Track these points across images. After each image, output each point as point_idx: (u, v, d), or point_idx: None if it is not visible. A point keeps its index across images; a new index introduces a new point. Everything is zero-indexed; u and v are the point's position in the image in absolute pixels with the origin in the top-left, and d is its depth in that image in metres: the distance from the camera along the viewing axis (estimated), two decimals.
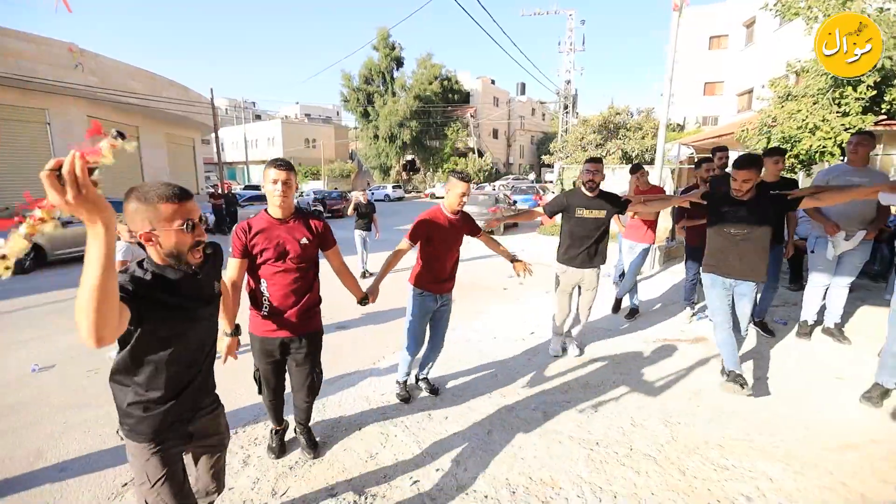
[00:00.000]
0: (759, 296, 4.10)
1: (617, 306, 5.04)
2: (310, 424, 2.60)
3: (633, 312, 4.87)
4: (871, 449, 2.48)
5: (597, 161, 3.39)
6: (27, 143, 12.36)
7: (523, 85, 42.99)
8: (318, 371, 2.41)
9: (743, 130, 8.85)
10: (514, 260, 3.09)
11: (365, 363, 3.82)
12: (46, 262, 8.09)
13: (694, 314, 4.72)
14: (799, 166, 7.09)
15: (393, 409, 3.02)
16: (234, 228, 2.15)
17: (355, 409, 3.02)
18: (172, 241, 1.29)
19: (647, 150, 14.24)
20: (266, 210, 2.18)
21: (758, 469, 2.32)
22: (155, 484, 1.40)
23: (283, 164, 2.08)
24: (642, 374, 3.50)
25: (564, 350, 3.87)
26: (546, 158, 16.74)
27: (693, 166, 5.65)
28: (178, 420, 1.46)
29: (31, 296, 6.07)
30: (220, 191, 15.01)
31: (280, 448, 2.51)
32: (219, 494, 1.75)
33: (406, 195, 34.35)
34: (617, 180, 11.98)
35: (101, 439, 2.71)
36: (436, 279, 2.87)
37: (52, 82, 11.85)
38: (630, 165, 4.96)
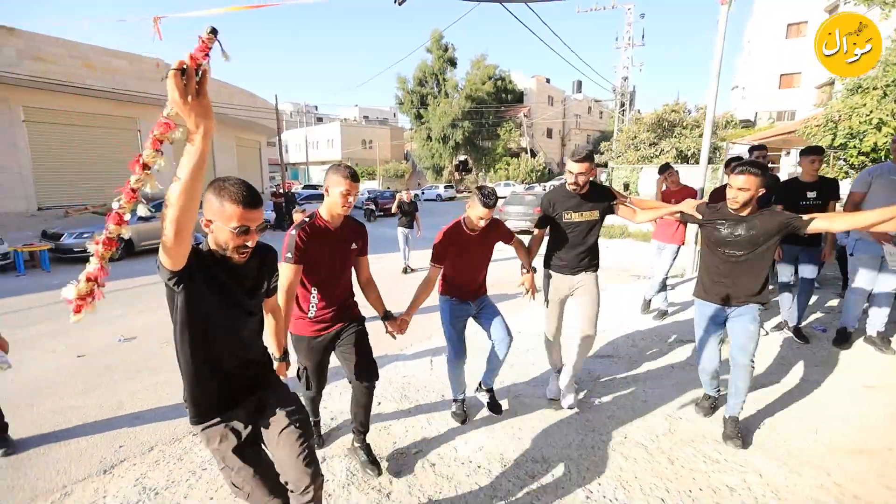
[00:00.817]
0: (795, 301, 3.96)
1: (647, 306, 5.01)
2: (366, 437, 2.44)
3: (662, 314, 4.84)
4: (885, 456, 2.42)
5: (586, 160, 2.62)
6: (118, 147, 14.04)
7: (579, 83, 41.83)
8: (372, 359, 2.36)
9: (806, 126, 8.30)
10: (526, 271, 2.83)
11: (392, 349, 4.15)
12: (134, 252, 9.27)
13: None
14: (869, 164, 6.59)
15: (412, 391, 3.31)
16: (291, 233, 2.07)
17: (377, 388, 3.35)
18: (223, 237, 1.39)
19: (700, 149, 13.60)
20: (319, 214, 2.16)
21: (750, 464, 2.36)
22: (231, 466, 1.47)
23: (356, 178, 2.09)
24: (655, 371, 3.55)
25: (559, 393, 3.04)
26: (595, 158, 16.43)
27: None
28: (228, 403, 1.52)
29: (120, 280, 7.04)
30: (281, 190, 16.23)
31: (319, 439, 2.62)
32: (317, 485, 1.51)
33: (458, 195, 34.76)
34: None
35: (168, 397, 3.23)
36: (462, 288, 2.70)
37: (141, 94, 13.38)
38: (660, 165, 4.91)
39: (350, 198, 2.06)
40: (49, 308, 5.72)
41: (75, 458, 2.53)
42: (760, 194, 2.31)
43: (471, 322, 2.83)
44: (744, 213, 2.35)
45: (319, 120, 61.03)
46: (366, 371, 2.30)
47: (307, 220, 2.14)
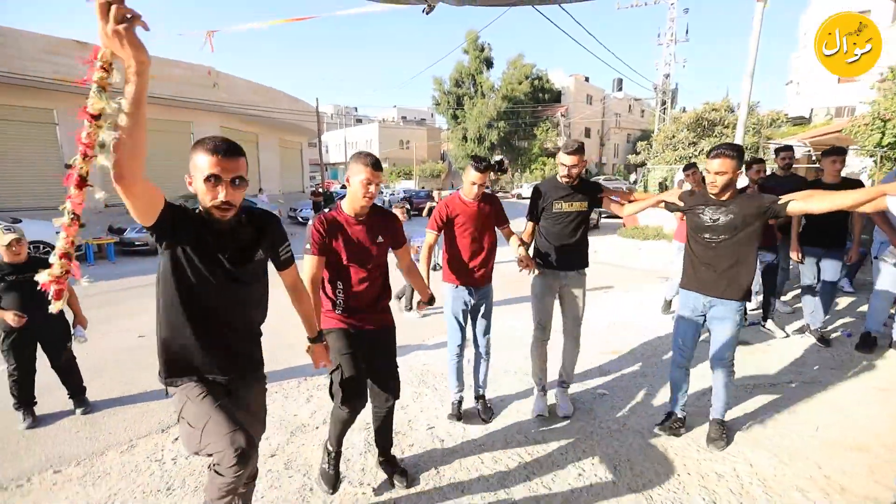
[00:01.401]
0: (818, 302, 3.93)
1: (667, 307, 5.05)
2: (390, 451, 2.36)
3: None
4: (880, 453, 2.46)
5: (576, 152, 2.68)
6: (174, 149, 15.15)
7: (620, 81, 40.65)
8: (396, 374, 2.25)
9: (853, 125, 7.94)
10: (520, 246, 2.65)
11: (415, 339, 4.43)
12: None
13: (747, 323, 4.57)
14: None
15: (430, 377, 3.57)
16: (310, 223, 2.03)
17: (401, 372, 3.63)
18: (200, 191, 1.38)
19: (747, 147, 13.05)
20: (341, 206, 2.08)
21: (742, 454, 2.46)
22: (195, 426, 1.40)
23: (379, 166, 2.00)
24: (664, 369, 3.62)
25: (546, 413, 2.93)
26: (632, 158, 15.97)
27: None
28: (211, 371, 1.50)
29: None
30: (320, 189, 17.00)
31: (335, 475, 2.22)
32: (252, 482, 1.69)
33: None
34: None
35: None
36: (464, 268, 2.70)
37: (194, 100, 14.38)
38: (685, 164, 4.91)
39: (371, 187, 1.94)
40: (115, 294, 6.40)
41: (139, 419, 2.97)
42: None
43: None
44: (724, 198, 2.36)
45: (359, 121, 62.58)
46: (388, 384, 2.20)
47: (327, 210, 2.07)
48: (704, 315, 2.52)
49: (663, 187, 13.62)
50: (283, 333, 3.43)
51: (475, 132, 34.85)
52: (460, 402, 2.92)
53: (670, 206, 2.65)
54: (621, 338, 4.33)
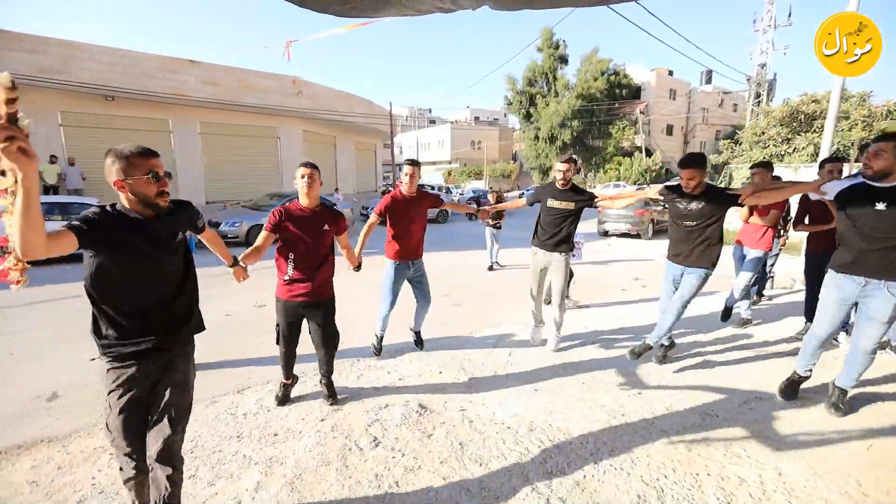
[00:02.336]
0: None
1: (726, 314, 4.79)
2: (332, 378, 3.13)
3: (744, 323, 4.61)
4: None
5: (568, 161, 3.71)
6: (262, 153, 16.76)
7: (709, 73, 37.48)
8: (335, 331, 2.99)
9: None
10: (476, 211, 4.03)
11: (464, 332, 4.67)
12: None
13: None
14: None
15: (469, 365, 3.79)
16: (275, 209, 2.74)
17: (440, 358, 3.91)
18: (142, 188, 1.62)
19: (851, 144, 11.58)
20: (297, 200, 2.80)
21: (772, 462, 2.40)
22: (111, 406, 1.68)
23: (308, 164, 2.71)
24: (705, 374, 3.54)
25: (544, 341, 4.13)
26: (713, 158, 14.72)
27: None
28: (140, 345, 1.69)
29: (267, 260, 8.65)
30: (390, 188, 17.92)
31: (284, 398, 3.10)
32: (170, 466, 1.70)
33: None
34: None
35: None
36: (403, 249, 3.52)
37: (281, 107, 15.81)
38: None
39: (305, 179, 2.67)
40: (210, 278, 7.39)
41: (221, 381, 3.53)
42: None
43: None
44: (696, 192, 3.11)
45: (432, 122, 64.09)
46: (327, 342, 2.95)
47: (285, 201, 2.86)
48: (680, 280, 3.34)
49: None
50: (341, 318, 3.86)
51: (547, 131, 34.21)
52: (381, 339, 3.80)
53: (652, 201, 3.29)
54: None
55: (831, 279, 2.82)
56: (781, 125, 13.09)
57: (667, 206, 3.36)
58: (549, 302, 4.19)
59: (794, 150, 12.33)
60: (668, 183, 4.58)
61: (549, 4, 3.44)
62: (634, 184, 30.11)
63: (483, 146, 45.12)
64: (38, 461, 2.51)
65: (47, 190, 11.70)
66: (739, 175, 11.95)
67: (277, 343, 2.98)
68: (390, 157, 23.15)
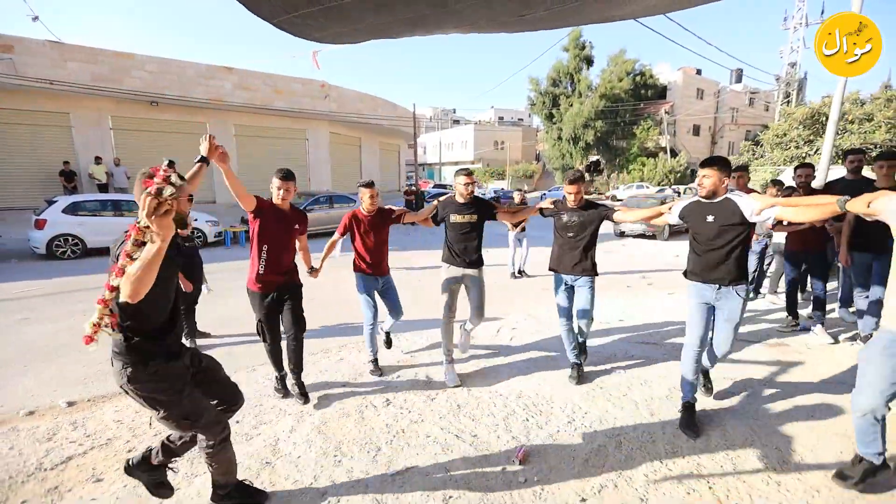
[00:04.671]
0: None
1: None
2: (303, 377, 3.28)
3: None
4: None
5: (469, 174, 3.46)
6: (291, 154, 17.65)
7: (739, 72, 36.74)
8: (300, 316, 3.18)
9: None
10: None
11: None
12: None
13: (794, 325, 4.54)
14: None
15: (474, 346, 4.28)
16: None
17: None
18: (186, 207, 1.85)
19: (877, 145, 11.46)
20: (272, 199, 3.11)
21: (720, 425, 2.80)
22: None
23: (285, 177, 3.05)
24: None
25: (458, 382, 3.51)
26: (733, 159, 14.67)
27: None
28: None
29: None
30: (413, 188, 18.52)
31: (285, 389, 3.29)
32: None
33: (586, 196, 33.79)
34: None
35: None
36: (367, 263, 3.58)
37: (309, 111, 16.64)
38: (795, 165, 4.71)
39: (281, 192, 3.02)
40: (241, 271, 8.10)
41: (259, 353, 4.13)
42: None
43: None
44: (575, 206, 3.39)
45: (456, 122, 64.61)
46: (294, 325, 3.15)
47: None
48: (571, 287, 3.46)
49: (764, 190, 12.43)
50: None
51: (570, 132, 34.19)
52: (376, 360, 3.75)
53: (546, 212, 3.58)
54: (659, 331, 4.61)
55: (689, 288, 2.90)
56: (803, 127, 13.02)
57: (554, 217, 3.51)
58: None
59: (815, 151, 12.26)
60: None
61: (543, 28, 3.88)
62: (658, 185, 29.85)
63: (506, 146, 45.35)
64: (119, 407, 3.14)
65: (99, 188, 12.80)
66: (757, 178, 11.96)
67: (264, 340, 3.17)
68: (413, 157, 23.80)
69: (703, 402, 3.11)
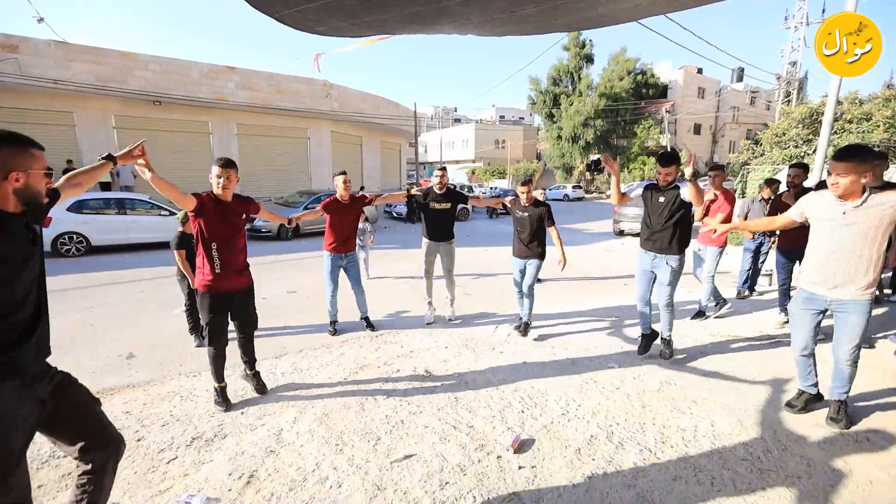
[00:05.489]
0: None
1: (699, 315, 5.09)
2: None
3: (699, 314, 5.02)
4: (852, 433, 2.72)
5: (443, 170, 4.74)
6: (293, 153, 17.76)
7: (741, 71, 36.76)
8: (255, 313, 3.23)
9: None
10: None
11: (470, 316, 5.26)
12: (299, 234, 11.92)
13: (786, 322, 4.62)
14: None
15: (472, 342, 4.38)
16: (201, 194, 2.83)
17: (453, 336, 4.52)
18: (41, 183, 1.46)
19: (876, 144, 11.50)
20: (213, 193, 2.88)
21: (708, 416, 2.90)
22: None
23: (224, 164, 2.81)
24: (680, 354, 4.01)
25: (433, 320, 4.94)
26: (733, 157, 14.67)
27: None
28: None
29: (290, 253, 9.39)
30: (414, 186, 18.65)
31: (226, 402, 3.07)
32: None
33: (587, 195, 34.01)
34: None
35: (310, 319, 4.86)
36: (336, 241, 4.37)
37: (311, 110, 16.73)
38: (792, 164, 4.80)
39: (221, 180, 2.79)
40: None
41: (262, 348, 4.21)
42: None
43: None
44: (528, 205, 4.35)
45: (457, 121, 64.66)
46: (248, 326, 3.21)
47: (204, 194, 2.84)
48: (523, 270, 4.47)
49: (762, 189, 12.45)
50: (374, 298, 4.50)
51: (570, 131, 34.26)
52: (335, 323, 4.64)
53: (508, 208, 4.51)
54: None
55: (637, 256, 3.88)
56: (802, 126, 13.07)
57: (512, 213, 4.51)
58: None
59: (814, 150, 12.29)
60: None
61: (535, 31, 3.96)
62: None
63: (507, 145, 45.40)
64: (127, 399, 3.25)
65: (103, 187, 12.92)
66: (755, 177, 12.01)
67: (209, 344, 3.01)
68: (415, 156, 23.89)
69: (693, 394, 3.21)
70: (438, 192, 4.61)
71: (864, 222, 2.49)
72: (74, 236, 9.15)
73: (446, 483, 2.31)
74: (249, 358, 3.32)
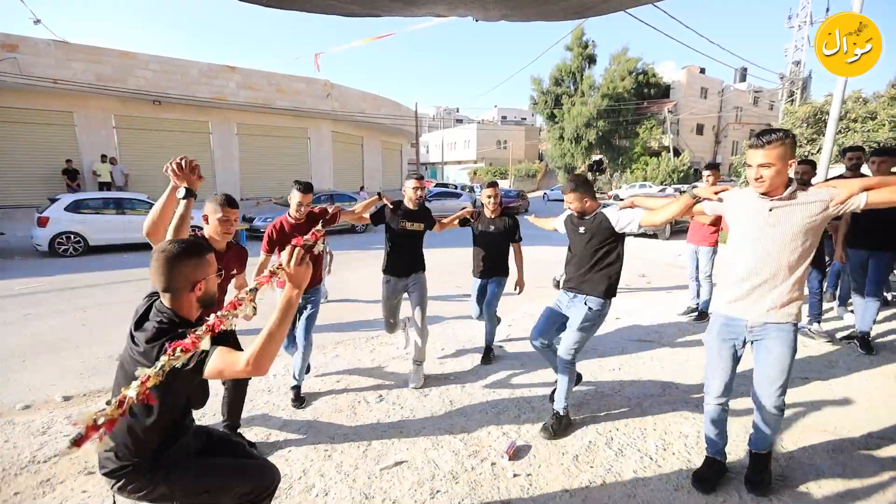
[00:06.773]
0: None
1: (701, 317, 4.97)
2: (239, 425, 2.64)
3: (702, 315, 4.91)
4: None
5: (420, 179, 3.42)
6: (293, 152, 17.72)
7: (744, 71, 36.43)
8: None
9: None
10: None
11: (466, 318, 5.16)
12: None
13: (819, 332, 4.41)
14: None
15: (469, 345, 4.29)
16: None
17: (450, 339, 4.42)
18: (215, 286, 1.59)
19: (880, 143, 11.36)
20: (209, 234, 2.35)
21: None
22: None
23: (230, 203, 2.31)
24: (680, 356, 3.91)
25: (421, 382, 3.45)
26: (735, 159, 14.53)
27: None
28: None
29: None
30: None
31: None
32: None
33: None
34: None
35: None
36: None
37: (312, 109, 16.68)
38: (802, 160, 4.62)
39: (221, 221, 2.28)
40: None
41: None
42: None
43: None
44: (493, 217, 3.77)
45: (459, 121, 64.56)
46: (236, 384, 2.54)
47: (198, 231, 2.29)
48: (484, 287, 3.84)
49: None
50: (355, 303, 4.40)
51: (572, 132, 34.10)
52: (298, 388, 3.19)
53: (473, 217, 3.82)
54: (655, 328, 4.60)
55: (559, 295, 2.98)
56: (806, 126, 12.93)
57: (475, 225, 3.84)
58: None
59: (818, 150, 12.15)
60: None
61: (564, 16, 3.81)
62: (661, 184, 29.74)
63: (509, 146, 45.27)
64: None
65: (101, 187, 12.89)
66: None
67: None
68: (416, 156, 23.82)
69: (696, 398, 3.11)
70: (412, 207, 3.41)
71: (787, 223, 1.96)
72: (72, 236, 9.09)
73: (437, 492, 2.21)
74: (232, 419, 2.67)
